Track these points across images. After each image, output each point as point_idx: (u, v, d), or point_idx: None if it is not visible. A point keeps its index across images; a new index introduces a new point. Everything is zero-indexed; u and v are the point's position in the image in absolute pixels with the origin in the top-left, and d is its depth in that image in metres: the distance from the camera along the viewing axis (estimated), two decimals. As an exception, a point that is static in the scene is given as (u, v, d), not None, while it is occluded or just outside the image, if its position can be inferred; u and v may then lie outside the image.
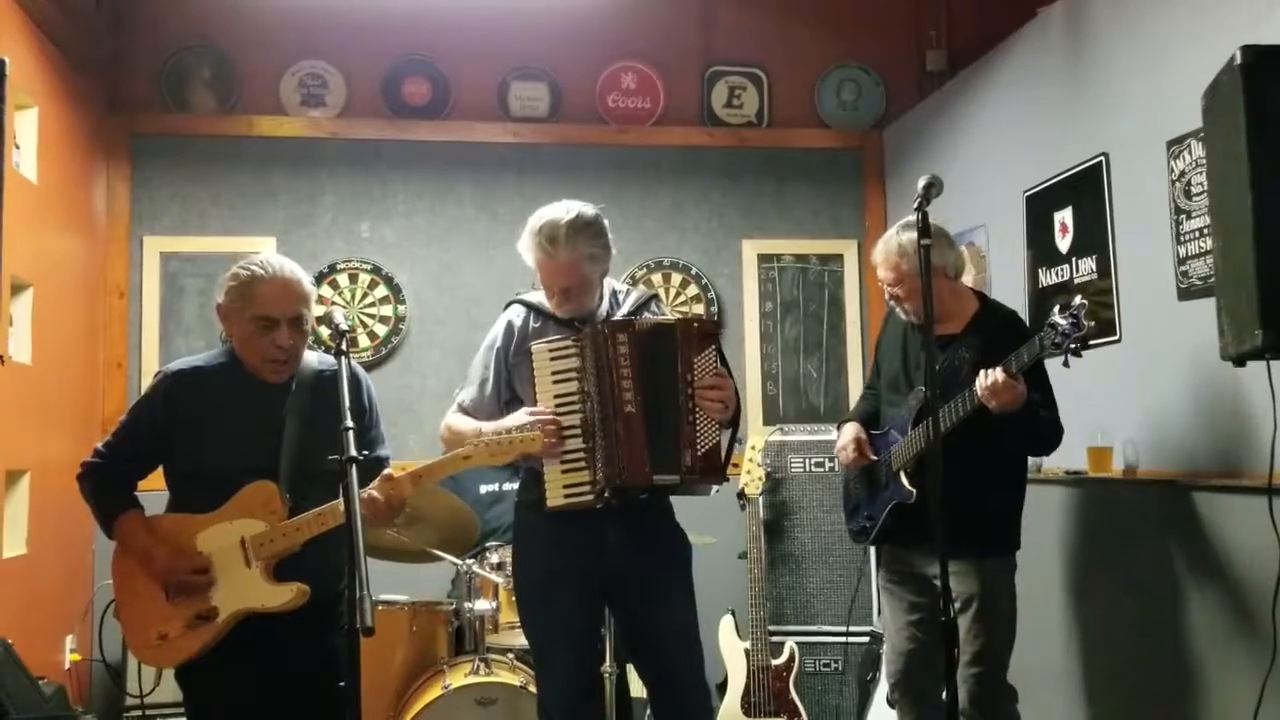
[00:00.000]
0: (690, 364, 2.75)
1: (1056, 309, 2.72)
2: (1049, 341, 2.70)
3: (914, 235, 3.02)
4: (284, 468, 2.57)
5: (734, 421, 2.84)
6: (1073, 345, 2.68)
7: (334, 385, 2.32)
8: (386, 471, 2.58)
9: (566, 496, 2.74)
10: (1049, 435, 3.04)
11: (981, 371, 2.84)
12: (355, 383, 2.70)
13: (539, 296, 2.94)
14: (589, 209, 2.85)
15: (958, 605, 3.03)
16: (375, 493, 2.53)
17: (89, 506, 2.67)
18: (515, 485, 4.15)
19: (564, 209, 2.82)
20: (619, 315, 2.89)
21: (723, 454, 2.78)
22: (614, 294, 2.98)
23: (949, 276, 3.12)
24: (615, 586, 2.88)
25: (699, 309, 5.14)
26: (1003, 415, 2.84)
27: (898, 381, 3.25)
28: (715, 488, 2.86)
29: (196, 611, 2.51)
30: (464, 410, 2.96)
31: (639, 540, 2.82)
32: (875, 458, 3.24)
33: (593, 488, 2.73)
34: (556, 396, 2.76)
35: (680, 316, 2.86)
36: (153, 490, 2.70)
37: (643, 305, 2.96)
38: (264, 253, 2.70)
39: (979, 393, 2.83)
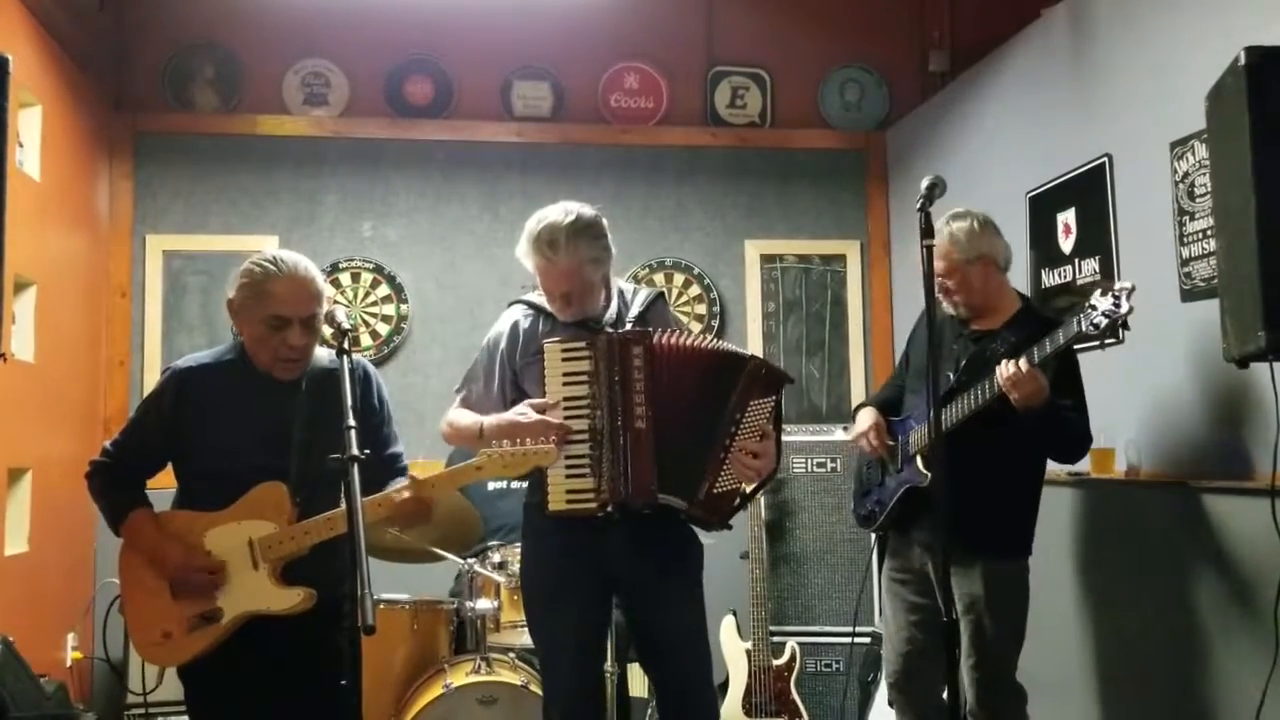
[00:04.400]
0: (745, 405, 2.67)
1: (1098, 291, 2.67)
2: (1088, 323, 2.64)
3: (965, 224, 3.03)
4: (293, 468, 2.55)
5: (765, 480, 2.78)
6: (1111, 326, 2.63)
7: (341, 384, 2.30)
8: (413, 473, 2.54)
9: (569, 502, 2.68)
10: (1075, 441, 2.99)
11: (1004, 363, 2.81)
12: (366, 380, 2.70)
13: (541, 296, 2.87)
14: (587, 210, 2.77)
15: (962, 607, 3.02)
16: (405, 493, 2.49)
17: (97, 505, 2.66)
18: (524, 484, 4.19)
19: (562, 211, 2.74)
20: (630, 315, 2.84)
21: (736, 502, 2.73)
22: (620, 294, 2.91)
23: (999, 267, 3.11)
24: (623, 589, 2.84)
25: (701, 309, 5.14)
26: (1027, 412, 2.81)
27: (925, 371, 3.22)
28: (714, 532, 2.78)
29: (202, 611, 2.51)
30: (467, 407, 2.91)
31: (647, 543, 2.76)
32: (892, 442, 3.23)
33: (595, 497, 2.66)
34: (566, 399, 2.69)
35: (754, 355, 2.78)
36: (160, 489, 2.69)
37: (650, 305, 2.90)
38: (277, 249, 2.65)
39: (1000, 382, 2.81)
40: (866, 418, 3.29)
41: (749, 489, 2.77)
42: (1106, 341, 2.69)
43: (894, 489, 3.17)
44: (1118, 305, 2.63)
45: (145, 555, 2.55)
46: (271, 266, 2.55)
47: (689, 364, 2.71)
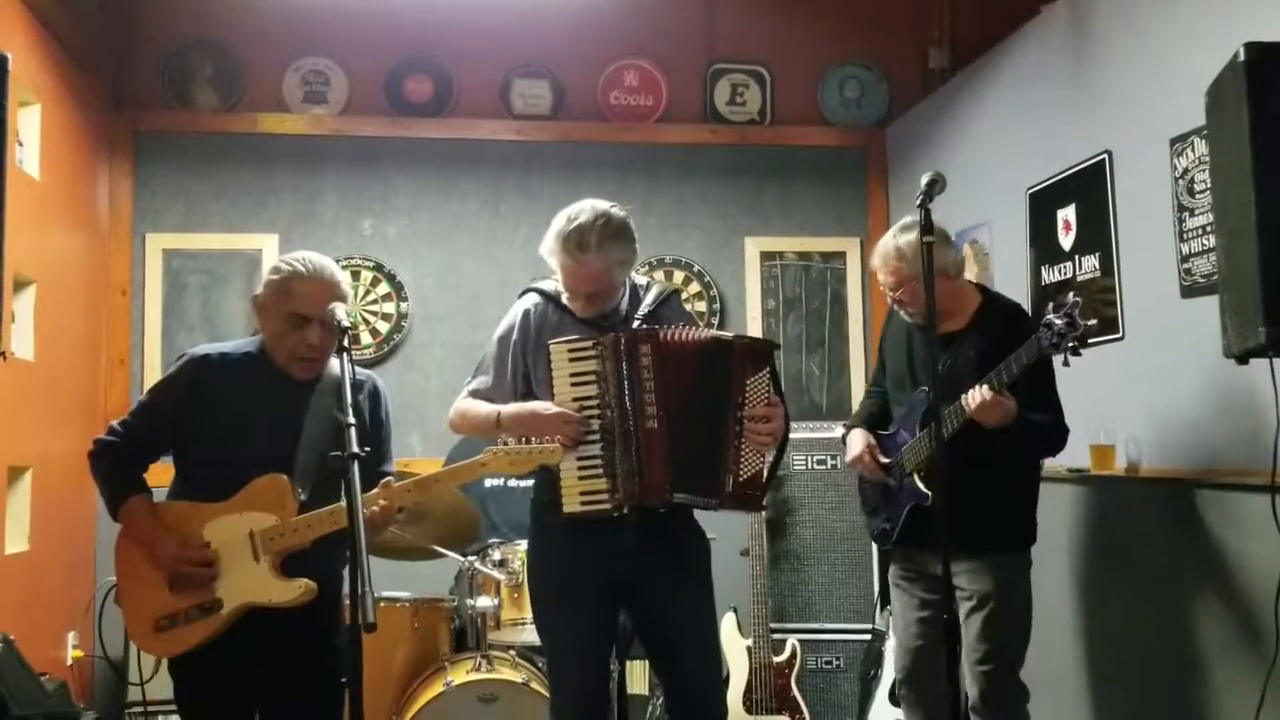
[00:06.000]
0: (742, 385, 2.63)
1: (1051, 307, 2.73)
2: (1046, 342, 2.71)
3: (911, 237, 3.02)
4: (299, 464, 2.56)
5: (781, 446, 2.73)
6: (1070, 344, 2.68)
7: (355, 392, 2.31)
8: (387, 479, 2.54)
9: (584, 504, 2.65)
10: (1048, 440, 3.04)
11: (969, 391, 2.85)
12: (375, 396, 2.73)
13: (555, 285, 2.84)
14: (618, 211, 2.73)
15: (973, 603, 3.03)
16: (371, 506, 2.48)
17: (98, 486, 2.64)
18: (519, 482, 4.18)
19: (592, 211, 2.69)
20: (640, 312, 2.81)
21: (764, 480, 2.69)
22: (634, 288, 2.88)
23: (950, 276, 3.12)
24: (632, 587, 2.81)
25: (701, 307, 5.14)
26: (998, 432, 2.86)
27: (903, 380, 3.24)
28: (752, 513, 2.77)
29: (200, 602, 2.51)
30: (478, 397, 2.86)
31: (657, 541, 2.75)
32: (888, 460, 3.24)
33: (610, 497, 2.64)
34: (575, 399, 2.66)
35: (735, 335, 2.75)
36: (157, 486, 2.69)
37: (663, 302, 2.86)
38: (304, 251, 2.68)
39: (969, 410, 2.84)
40: (858, 441, 3.29)
41: (770, 462, 2.71)
42: (1076, 346, 2.71)
43: (900, 508, 3.17)
44: (1072, 324, 2.67)
45: (140, 544, 2.55)
46: (299, 266, 2.60)
47: (688, 358, 2.68)
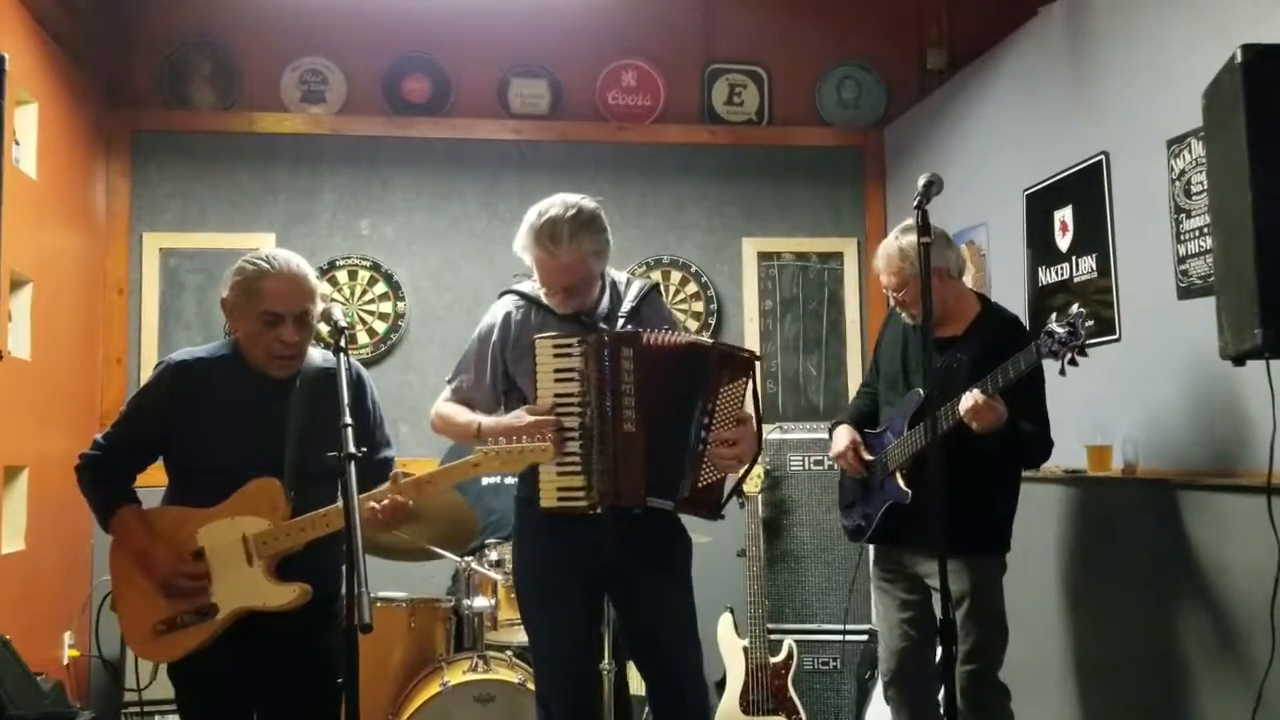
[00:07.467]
0: (715, 394, 2.65)
1: (1054, 316, 2.73)
2: (1045, 349, 2.72)
3: (914, 238, 3.03)
4: (288, 465, 2.55)
5: (752, 461, 2.74)
6: (1069, 354, 2.68)
7: (336, 383, 2.31)
8: (395, 472, 2.54)
9: (560, 500, 2.67)
10: (1032, 452, 3.06)
11: (964, 394, 2.85)
12: (358, 384, 2.70)
13: (533, 287, 2.86)
14: (588, 202, 2.75)
15: (950, 603, 3.04)
16: (375, 503, 2.49)
17: (86, 500, 2.65)
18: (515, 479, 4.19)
19: (562, 205, 2.72)
20: (623, 310, 2.82)
21: (724, 492, 2.71)
22: (614, 285, 2.89)
23: (951, 277, 3.13)
24: (614, 584, 2.85)
25: (699, 307, 5.14)
26: (987, 436, 2.87)
27: (896, 381, 3.26)
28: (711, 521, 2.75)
29: (195, 607, 2.51)
30: (459, 398, 2.89)
31: (638, 538, 2.76)
32: (871, 458, 3.24)
33: (586, 495, 2.66)
34: (557, 395, 2.68)
35: (716, 342, 2.76)
36: (152, 486, 2.69)
37: (644, 298, 2.88)
38: (269, 247, 2.67)
39: (961, 413, 2.85)
40: (843, 437, 3.31)
41: (735, 476, 2.75)
42: (1073, 356, 2.71)
43: (879, 505, 3.19)
44: (1074, 334, 2.68)
45: (132, 556, 2.55)
46: (264, 264, 2.57)
47: (668, 362, 2.69)
